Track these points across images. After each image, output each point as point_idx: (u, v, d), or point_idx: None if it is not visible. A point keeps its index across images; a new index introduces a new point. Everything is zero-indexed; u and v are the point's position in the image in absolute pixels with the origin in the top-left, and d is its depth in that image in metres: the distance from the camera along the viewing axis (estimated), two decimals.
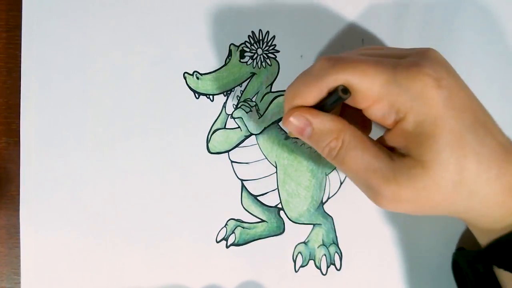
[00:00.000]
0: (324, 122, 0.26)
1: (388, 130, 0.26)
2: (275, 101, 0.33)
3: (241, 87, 0.33)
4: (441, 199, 0.24)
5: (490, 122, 0.25)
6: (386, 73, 0.24)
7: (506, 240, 0.25)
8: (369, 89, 0.24)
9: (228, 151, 0.33)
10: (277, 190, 0.33)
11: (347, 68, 0.24)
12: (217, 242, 0.33)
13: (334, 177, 0.33)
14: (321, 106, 0.26)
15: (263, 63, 0.33)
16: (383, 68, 0.24)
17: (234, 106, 0.33)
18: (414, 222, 0.33)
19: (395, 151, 0.25)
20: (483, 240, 0.27)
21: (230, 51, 0.33)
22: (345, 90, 0.24)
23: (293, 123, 0.26)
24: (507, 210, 0.24)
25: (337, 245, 0.33)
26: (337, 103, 0.25)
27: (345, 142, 0.25)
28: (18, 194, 0.33)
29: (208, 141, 0.33)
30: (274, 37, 0.33)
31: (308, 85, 0.25)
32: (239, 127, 0.33)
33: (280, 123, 0.33)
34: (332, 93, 0.25)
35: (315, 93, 0.25)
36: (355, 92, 0.24)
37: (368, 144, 0.25)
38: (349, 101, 0.25)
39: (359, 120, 0.28)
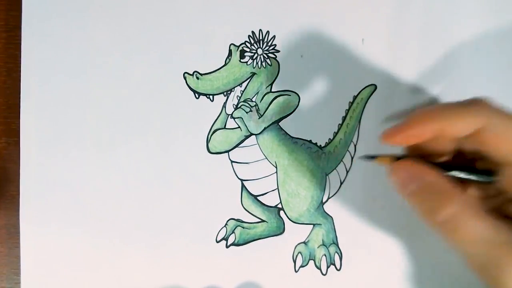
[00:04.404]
0: (439, 181, 0.24)
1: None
2: (275, 101, 0.33)
3: (241, 87, 0.33)
4: None
5: None
6: None
7: None
8: None
9: (228, 151, 0.33)
10: (277, 190, 0.33)
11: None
12: (217, 242, 0.33)
13: (334, 177, 0.33)
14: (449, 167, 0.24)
15: (263, 63, 0.33)
16: None
17: (234, 106, 0.33)
18: (414, 222, 0.33)
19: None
20: None
21: (230, 51, 0.33)
22: (489, 171, 0.23)
23: (406, 170, 0.24)
24: None
25: (337, 245, 0.33)
26: (472, 179, 0.23)
27: (461, 208, 0.23)
28: (18, 194, 0.33)
29: (208, 141, 0.33)
30: (274, 37, 0.33)
31: (456, 114, 0.24)
32: (239, 127, 0.33)
33: (280, 124, 0.33)
34: (474, 170, 0.24)
35: (460, 125, 0.24)
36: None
37: (486, 216, 0.23)
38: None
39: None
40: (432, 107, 0.26)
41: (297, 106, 0.33)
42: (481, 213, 0.23)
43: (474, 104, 0.24)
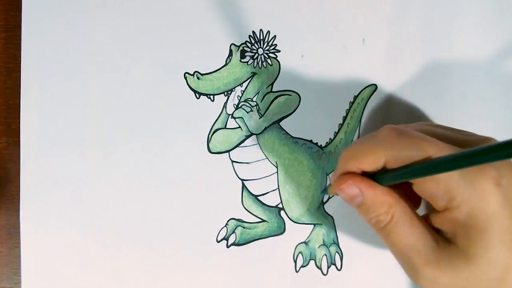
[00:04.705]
0: (376, 195, 0.26)
1: (435, 211, 0.25)
2: (276, 101, 0.33)
3: (241, 87, 0.33)
4: None
5: None
6: None
7: None
8: None
9: (228, 151, 0.33)
10: (277, 190, 0.33)
11: (412, 143, 0.24)
12: (218, 242, 0.33)
13: None
14: (375, 176, 0.26)
15: (264, 63, 0.33)
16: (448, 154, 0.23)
17: (235, 106, 0.33)
18: None
19: (440, 233, 0.25)
20: None
21: (230, 51, 0.33)
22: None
23: (345, 191, 0.26)
24: None
25: (338, 245, 0.33)
26: (395, 182, 0.25)
27: (394, 218, 0.25)
28: (18, 194, 0.33)
29: (208, 141, 0.33)
30: (275, 36, 0.33)
31: (369, 150, 0.25)
32: (239, 127, 0.33)
33: (280, 124, 0.33)
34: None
35: (373, 159, 0.25)
36: None
37: (416, 223, 0.25)
38: None
39: (408, 193, 0.27)
40: (345, 151, 0.27)
41: (297, 106, 0.33)
42: (410, 223, 0.25)
43: (377, 141, 0.26)
